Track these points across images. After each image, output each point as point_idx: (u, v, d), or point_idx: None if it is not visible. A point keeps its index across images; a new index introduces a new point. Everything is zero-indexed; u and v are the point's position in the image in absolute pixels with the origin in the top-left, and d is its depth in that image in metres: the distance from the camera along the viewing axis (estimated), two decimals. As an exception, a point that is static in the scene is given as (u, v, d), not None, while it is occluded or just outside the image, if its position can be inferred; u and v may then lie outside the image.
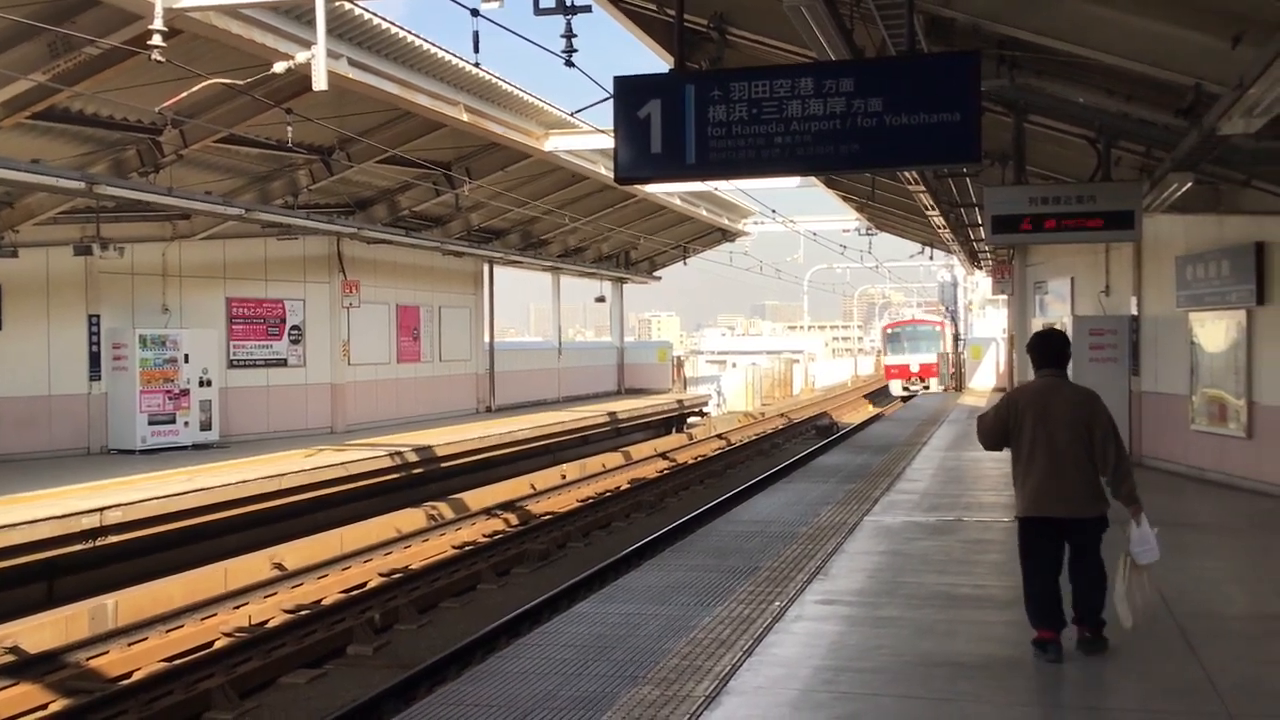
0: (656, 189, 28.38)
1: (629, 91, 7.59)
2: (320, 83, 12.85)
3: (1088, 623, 7.17)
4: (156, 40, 11.69)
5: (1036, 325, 19.83)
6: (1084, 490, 7.02)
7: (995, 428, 7.35)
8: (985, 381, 44.69)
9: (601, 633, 7.85)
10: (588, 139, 23.01)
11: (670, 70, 8.18)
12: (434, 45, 17.39)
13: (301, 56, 13.28)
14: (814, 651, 7.45)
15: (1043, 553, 7.15)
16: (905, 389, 50.34)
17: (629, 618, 8.26)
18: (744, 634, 7.74)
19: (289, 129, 16.98)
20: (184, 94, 14.67)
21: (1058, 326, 10.12)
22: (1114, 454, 7.00)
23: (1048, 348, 7.38)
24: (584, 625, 8.10)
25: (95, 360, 20.77)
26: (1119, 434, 7.11)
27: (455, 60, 18.02)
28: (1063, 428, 7.02)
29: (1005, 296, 27.93)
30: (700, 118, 7.36)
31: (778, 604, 8.60)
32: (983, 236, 20.44)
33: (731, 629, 7.88)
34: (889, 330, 55.79)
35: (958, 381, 48.93)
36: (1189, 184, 11.64)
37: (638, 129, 7.52)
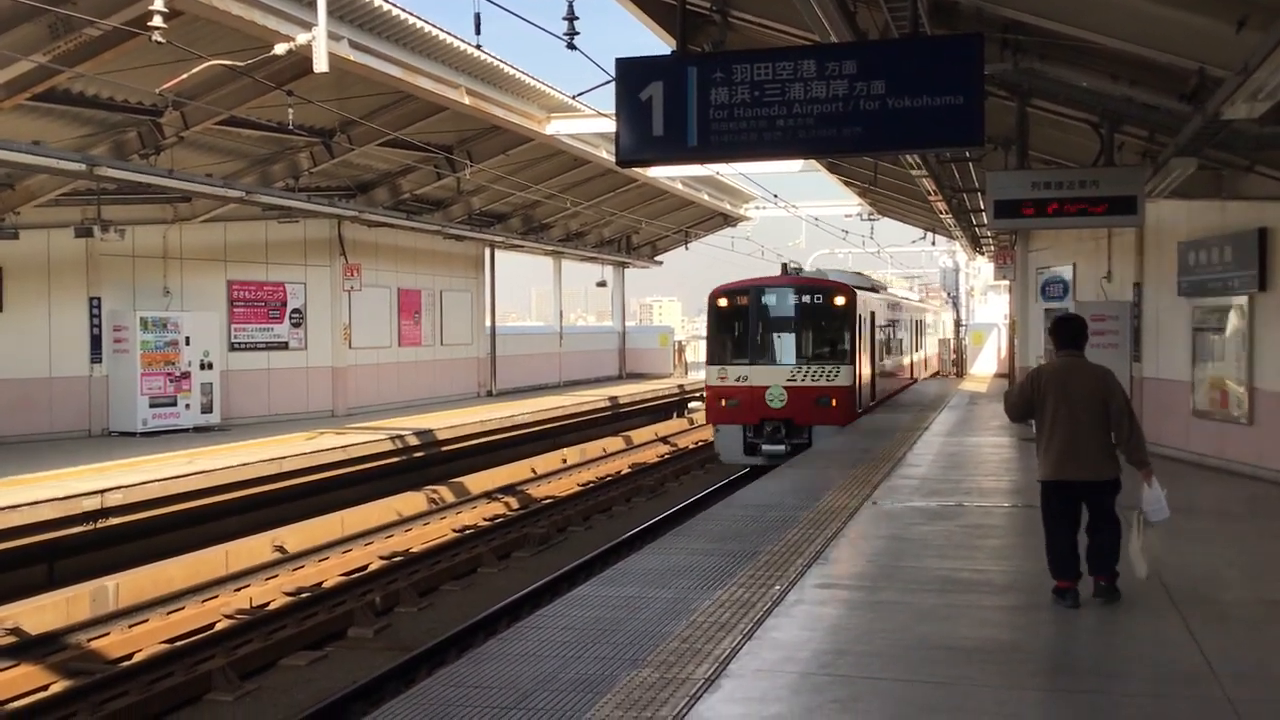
0: (658, 173, 28.34)
1: (631, 74, 7.57)
2: (321, 64, 12.82)
3: (1103, 573, 7.99)
4: (157, 21, 11.66)
5: (1038, 311, 19.81)
6: (1100, 456, 7.91)
7: (1020, 401, 8.39)
8: (986, 367, 44.63)
9: (602, 616, 7.86)
10: (589, 122, 22.96)
11: (672, 52, 8.16)
12: (435, 27, 17.33)
13: (302, 38, 13.24)
14: (813, 635, 7.46)
15: (1063, 513, 8.06)
16: (754, 451, 21.38)
17: (629, 601, 8.27)
18: (744, 617, 7.74)
19: (290, 111, 16.94)
20: (185, 75, 14.64)
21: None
22: (1127, 424, 7.90)
23: (1068, 330, 8.30)
24: (584, 608, 8.11)
25: (96, 343, 20.78)
26: (1131, 406, 8.06)
27: (457, 42, 17.96)
28: (1081, 401, 7.90)
29: (1007, 282, 27.88)
30: (702, 100, 7.34)
31: (778, 588, 8.60)
32: (985, 221, 20.41)
33: (731, 612, 7.88)
34: (721, 304, 22.50)
35: (959, 367, 48.83)
36: (1192, 169, 11.61)
37: (640, 111, 7.50)
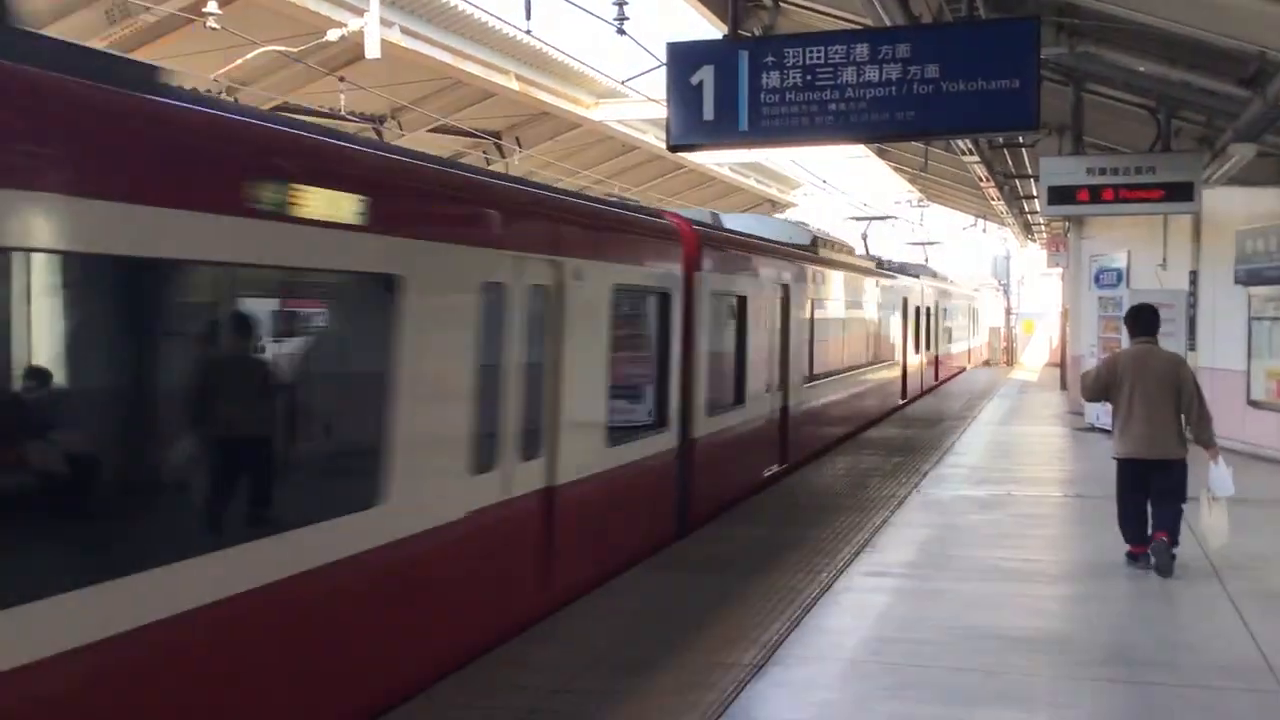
0: (705, 159, 28.24)
1: (682, 58, 7.54)
2: (374, 51, 12.92)
3: (1163, 528, 8.65)
4: (212, 7, 11.77)
5: (1091, 299, 19.56)
6: (1170, 437, 8.57)
7: (1097, 384, 9.01)
8: (1038, 356, 44.16)
9: (649, 601, 7.86)
10: (638, 108, 22.95)
11: (724, 37, 8.12)
12: (486, 12, 17.38)
13: (355, 24, 13.34)
14: (862, 623, 7.43)
15: (1135, 487, 8.77)
16: None
17: (676, 586, 8.27)
18: (791, 604, 7.73)
19: (342, 97, 17.07)
20: (239, 61, 14.78)
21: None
22: (1197, 408, 8.57)
23: (1141, 320, 9.01)
24: (632, 594, 8.11)
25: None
26: (1201, 391, 8.66)
27: (507, 28, 18.00)
28: (1155, 386, 8.55)
29: (1060, 269, 27.56)
30: (753, 84, 7.30)
31: (825, 575, 8.58)
32: (1038, 208, 20.18)
33: (778, 599, 7.87)
34: None
35: (1009, 356, 48.34)
36: (1251, 155, 11.41)
37: (690, 96, 7.47)
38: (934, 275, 31.14)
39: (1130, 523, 8.87)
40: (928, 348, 28.02)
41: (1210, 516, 8.54)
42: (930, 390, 28.33)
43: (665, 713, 5.70)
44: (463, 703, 5.84)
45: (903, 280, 24.59)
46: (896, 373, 23.36)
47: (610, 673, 6.32)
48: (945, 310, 31.57)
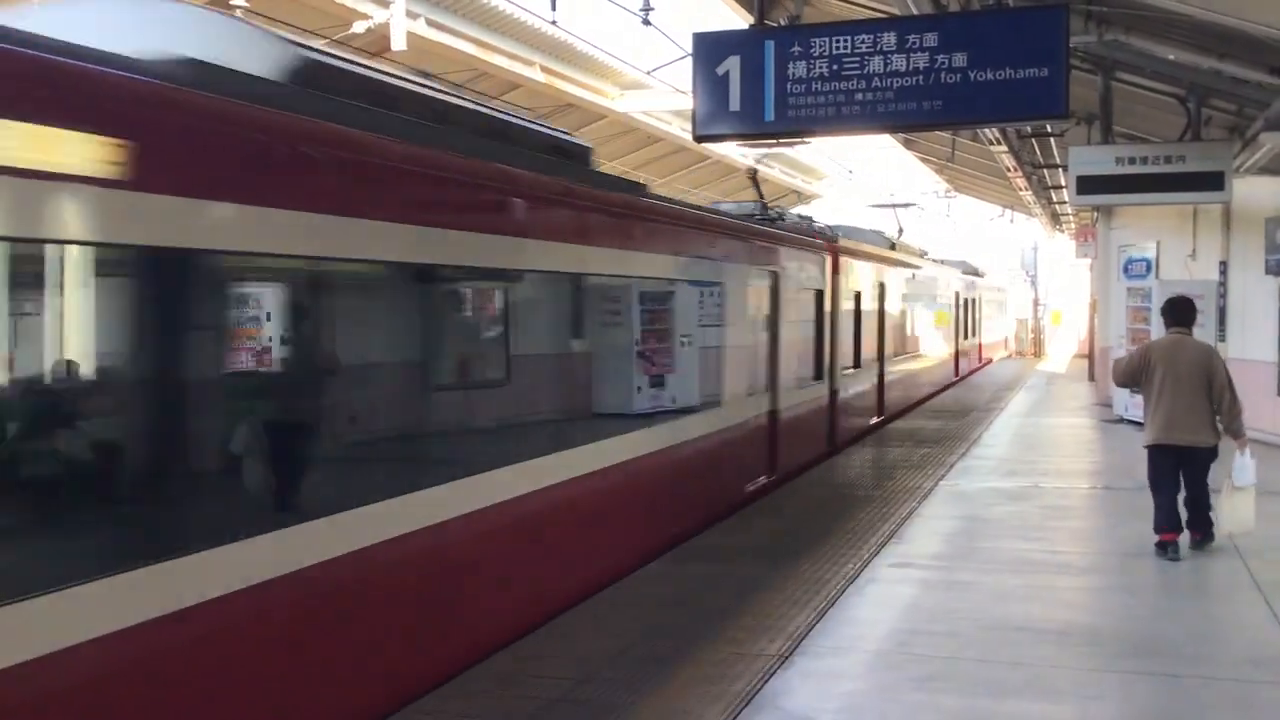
0: (729, 149, 28.17)
1: (708, 48, 7.53)
2: (399, 42, 12.95)
3: (1198, 529, 8.93)
4: (239, 0, 11.82)
5: (1119, 290, 19.42)
6: (1201, 424, 8.70)
7: (1129, 370, 9.17)
8: (1066, 348, 43.90)
9: (675, 591, 7.87)
10: (663, 99, 22.90)
11: (750, 26, 8.10)
12: (511, 3, 17.38)
13: (381, 16, 13.37)
14: (888, 614, 7.42)
15: (1167, 474, 8.89)
16: None
17: (702, 577, 8.27)
18: (817, 595, 7.72)
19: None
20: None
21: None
22: (1229, 397, 8.68)
23: (1176, 310, 9.10)
24: (658, 584, 8.12)
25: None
26: (1232, 381, 8.76)
27: (532, 19, 18.00)
28: (1187, 375, 8.68)
29: (1089, 260, 27.40)
30: (780, 74, 7.28)
31: (851, 566, 8.57)
32: (1066, 198, 20.06)
33: (804, 589, 7.86)
34: None
35: (1037, 348, 48.08)
36: (1283, 144, 11.30)
37: (716, 86, 7.47)
38: (973, 270, 32.82)
39: (1163, 512, 8.92)
40: (973, 334, 31.86)
41: (1231, 504, 8.63)
42: (975, 371, 31.34)
43: (690, 703, 5.70)
44: (489, 691, 5.86)
45: (952, 273, 28.21)
46: (951, 351, 27.39)
47: (636, 663, 6.33)
48: (983, 302, 34.18)
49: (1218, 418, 8.74)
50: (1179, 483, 8.90)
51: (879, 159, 36.04)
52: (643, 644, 6.68)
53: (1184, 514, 8.94)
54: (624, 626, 7.04)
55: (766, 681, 6.00)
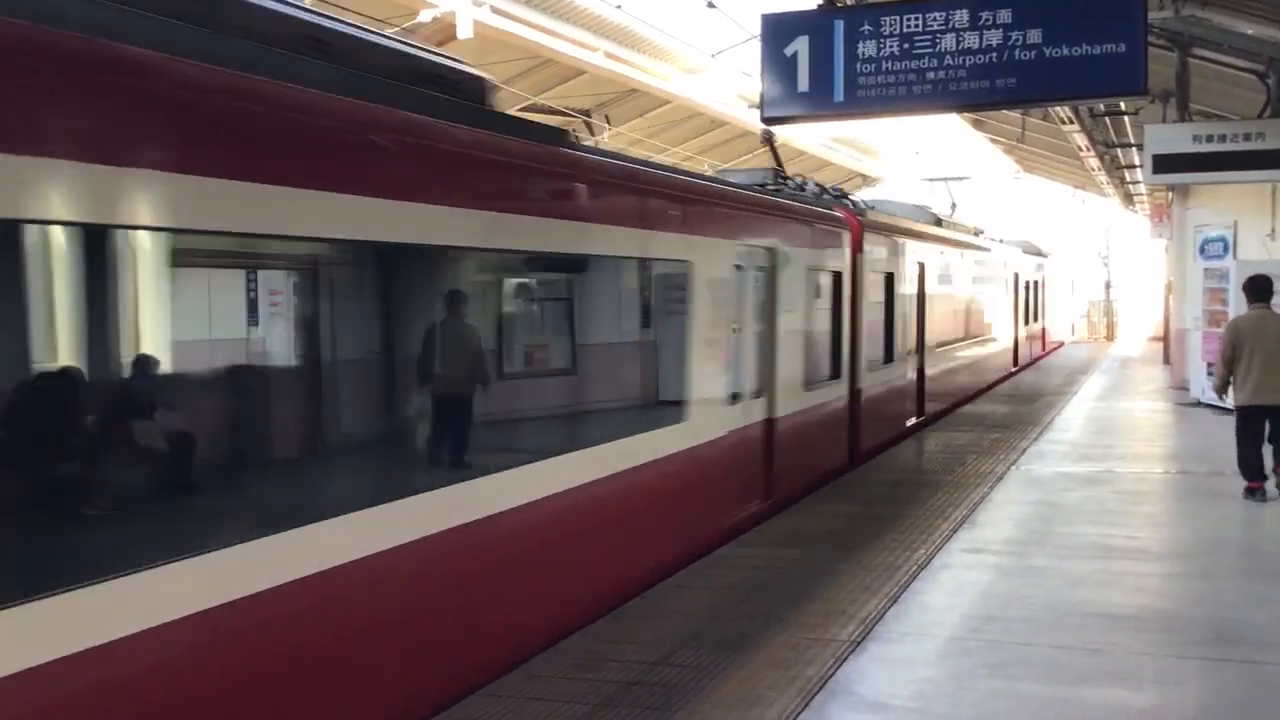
0: (795, 133, 28.00)
1: (776, 29, 7.47)
2: (465, 31, 13.02)
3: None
4: (307, -9, 11.94)
5: (1196, 271, 19.03)
6: None
7: (1224, 355, 10.34)
8: (1139, 330, 43.14)
9: (745, 577, 7.85)
10: (728, 82, 22.82)
11: (818, 6, 8.02)
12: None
13: (446, 5, 13.43)
14: (961, 600, 7.33)
15: (1254, 430, 10.24)
16: None
17: (772, 562, 8.24)
18: (888, 581, 7.66)
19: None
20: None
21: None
22: None
23: (1257, 287, 10.39)
24: (728, 569, 8.11)
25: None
26: None
27: (596, 5, 18.00)
28: (1274, 343, 10.00)
29: (1164, 241, 26.88)
30: (849, 54, 7.21)
31: (922, 551, 8.49)
32: (1139, 179, 19.68)
33: (875, 575, 7.81)
34: None
35: (1109, 331, 47.31)
36: (1368, 119, 11.00)
37: (785, 67, 7.41)
38: (1035, 249, 31.17)
39: (1249, 463, 10.23)
40: (1035, 318, 29.52)
41: None
42: (1039, 359, 29.57)
43: (764, 687, 5.68)
44: (563, 675, 5.89)
45: (1011, 252, 25.70)
46: (1009, 338, 25.24)
47: (709, 647, 6.33)
48: (1047, 284, 32.05)
49: None
50: (1262, 437, 10.21)
51: (945, 140, 35.55)
52: (715, 628, 6.68)
53: (1269, 462, 10.19)
54: (696, 611, 7.03)
55: (839, 667, 5.97)
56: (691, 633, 6.59)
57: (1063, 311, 38.22)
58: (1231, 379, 10.31)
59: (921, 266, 16.11)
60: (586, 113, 23.79)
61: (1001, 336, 24.15)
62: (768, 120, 7.75)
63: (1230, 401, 10.76)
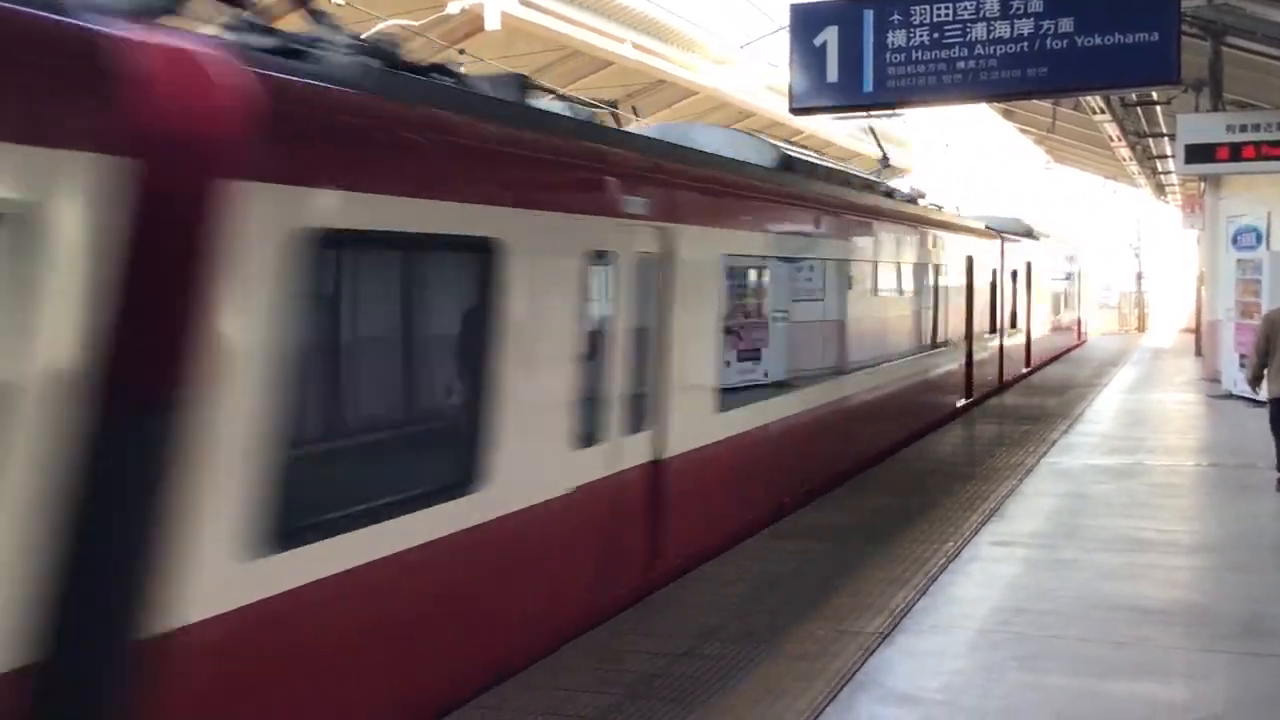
0: (821, 124, 27.88)
1: (805, 19, 7.45)
2: (493, 22, 13.03)
3: None
4: (336, -18, 11.97)
5: (1229, 262, 18.85)
6: None
7: (1258, 347, 10.46)
8: (1171, 321, 42.76)
9: (772, 568, 7.84)
10: (755, 73, 22.76)
11: (847, -4, 7.97)
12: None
13: (474, -4, 13.45)
14: (990, 592, 7.31)
15: None
16: None
17: (800, 554, 8.23)
18: (917, 573, 7.64)
19: (461, 69, 17.23)
20: (362, 36, 14.99)
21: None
22: None
23: None
24: (755, 560, 8.11)
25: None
26: None
27: (624, -5, 18.01)
28: None
29: (1196, 232, 26.65)
30: (879, 44, 7.17)
31: (951, 544, 8.46)
32: (1171, 169, 19.51)
33: (903, 567, 7.79)
34: None
35: (1140, 322, 46.95)
36: (1404, 108, 10.86)
37: (813, 58, 7.38)
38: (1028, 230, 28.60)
39: None
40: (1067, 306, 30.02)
41: None
42: (1061, 355, 28.78)
43: (791, 679, 5.68)
44: (588, 667, 5.90)
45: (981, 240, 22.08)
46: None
47: (734, 639, 6.33)
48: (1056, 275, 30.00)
49: None
50: None
51: (973, 130, 35.29)
52: (742, 620, 6.68)
53: None
54: (724, 602, 7.03)
55: (867, 659, 5.96)
56: (717, 624, 6.59)
57: (1075, 306, 34.78)
58: (1265, 371, 10.30)
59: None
60: (614, 104, 23.76)
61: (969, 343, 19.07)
62: (795, 111, 7.72)
63: (1263, 394, 10.61)
